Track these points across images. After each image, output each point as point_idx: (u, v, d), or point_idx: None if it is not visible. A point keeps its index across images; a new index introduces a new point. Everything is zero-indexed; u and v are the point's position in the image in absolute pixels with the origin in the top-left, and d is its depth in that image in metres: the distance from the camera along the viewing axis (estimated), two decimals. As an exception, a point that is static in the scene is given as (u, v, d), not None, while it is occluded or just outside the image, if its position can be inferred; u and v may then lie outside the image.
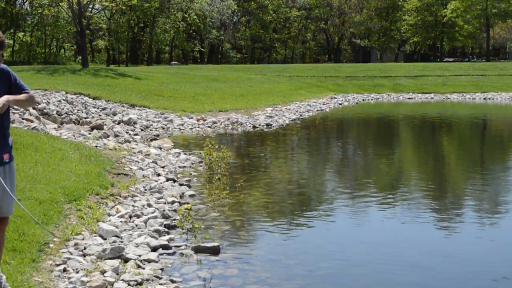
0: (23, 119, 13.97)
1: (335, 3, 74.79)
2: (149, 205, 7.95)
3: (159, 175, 10.17)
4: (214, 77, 33.96)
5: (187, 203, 8.33)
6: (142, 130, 16.75)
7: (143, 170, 10.34)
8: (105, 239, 6.44)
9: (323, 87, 36.76)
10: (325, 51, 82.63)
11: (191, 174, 10.78)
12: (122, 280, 5.36)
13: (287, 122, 20.80)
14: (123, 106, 19.84)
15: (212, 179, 10.28)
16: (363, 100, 34.30)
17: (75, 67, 31.70)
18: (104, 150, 11.54)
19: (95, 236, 6.46)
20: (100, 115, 17.59)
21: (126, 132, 15.62)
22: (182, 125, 18.31)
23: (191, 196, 8.98)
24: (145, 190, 8.87)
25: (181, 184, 9.63)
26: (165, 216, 7.56)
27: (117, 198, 8.07)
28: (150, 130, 17.04)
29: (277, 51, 78.67)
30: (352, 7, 75.79)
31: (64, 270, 5.41)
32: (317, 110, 26.01)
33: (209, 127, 18.37)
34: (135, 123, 17.36)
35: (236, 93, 27.54)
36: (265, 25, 70.15)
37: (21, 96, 4.53)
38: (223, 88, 28.86)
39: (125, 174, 9.61)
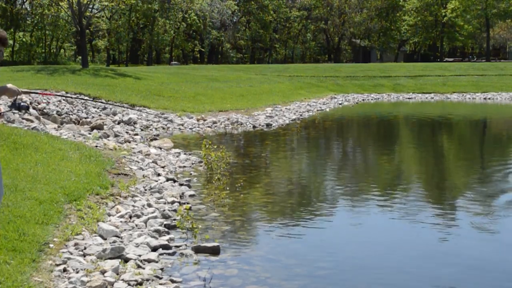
0: (23, 119, 13.95)
1: (335, 3, 74.82)
2: (149, 205, 7.94)
3: (159, 175, 10.16)
4: (214, 77, 33.95)
5: (187, 203, 8.33)
6: (142, 130, 16.75)
7: (143, 170, 10.34)
8: (105, 239, 6.44)
9: (323, 87, 36.77)
10: (325, 51, 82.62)
11: (191, 174, 10.77)
12: (122, 280, 5.36)
13: (287, 122, 20.79)
14: (123, 106, 19.82)
15: (212, 179, 10.27)
16: (363, 100, 34.30)
17: (75, 67, 31.68)
18: (104, 150, 11.53)
19: (95, 236, 6.46)
20: (100, 115, 17.59)
21: (126, 132, 15.61)
22: (182, 125, 18.30)
23: (191, 196, 8.97)
24: (145, 190, 8.87)
25: (181, 184, 9.62)
26: (165, 216, 7.56)
27: (117, 198, 8.07)
28: (150, 130, 17.03)
29: (277, 51, 78.69)
30: (352, 7, 75.83)
31: (64, 270, 5.41)
32: (317, 110, 26.01)
33: (209, 127, 18.37)
34: (135, 123, 17.35)
35: (236, 93, 27.53)
36: (265, 25, 70.18)
37: None
38: (223, 88, 28.84)
39: (125, 174, 9.60)
